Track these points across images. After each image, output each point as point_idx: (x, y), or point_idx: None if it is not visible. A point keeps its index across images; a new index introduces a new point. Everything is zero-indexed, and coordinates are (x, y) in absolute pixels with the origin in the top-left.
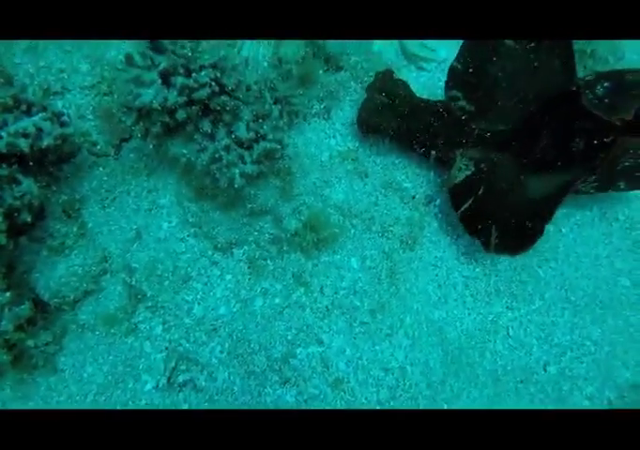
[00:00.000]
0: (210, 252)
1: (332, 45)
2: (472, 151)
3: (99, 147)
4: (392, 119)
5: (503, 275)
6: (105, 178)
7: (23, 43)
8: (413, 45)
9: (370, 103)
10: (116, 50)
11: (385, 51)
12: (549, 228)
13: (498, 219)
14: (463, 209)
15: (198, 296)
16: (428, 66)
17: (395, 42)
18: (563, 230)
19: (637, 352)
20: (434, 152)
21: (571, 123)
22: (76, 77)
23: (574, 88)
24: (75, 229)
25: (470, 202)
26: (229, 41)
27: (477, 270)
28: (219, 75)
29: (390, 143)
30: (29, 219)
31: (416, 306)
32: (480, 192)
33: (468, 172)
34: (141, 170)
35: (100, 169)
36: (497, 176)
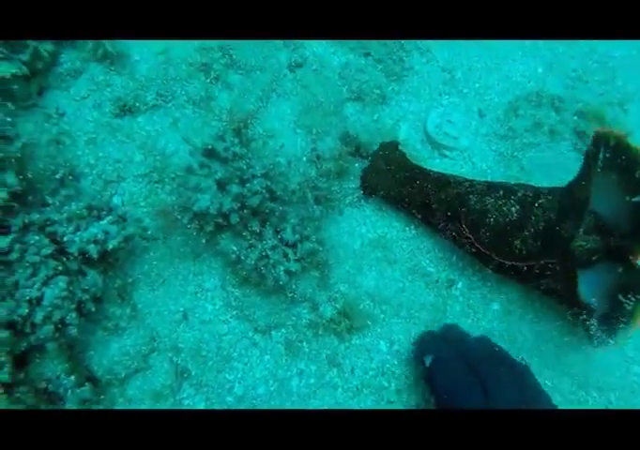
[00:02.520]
0: (251, 334)
1: (363, 136)
2: None
3: (149, 232)
4: (388, 181)
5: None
6: (155, 262)
7: (85, 136)
8: (437, 133)
9: (371, 167)
10: (165, 139)
11: (411, 138)
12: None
13: None
14: None
15: (239, 375)
16: (450, 153)
17: (420, 131)
18: None
19: None
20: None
21: None
22: (131, 166)
23: None
24: (128, 311)
25: None
26: (270, 133)
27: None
28: (269, 183)
29: (386, 202)
30: (93, 309)
31: None
32: None
33: None
34: (188, 254)
35: (151, 253)
36: None
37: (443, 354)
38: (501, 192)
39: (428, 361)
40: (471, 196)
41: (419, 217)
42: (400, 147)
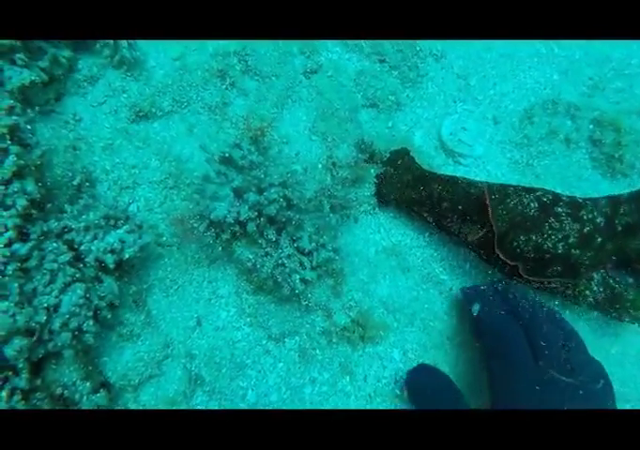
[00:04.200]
0: (264, 341)
1: (377, 142)
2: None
3: (164, 239)
4: (400, 187)
5: None
6: (170, 269)
7: (102, 141)
8: (451, 141)
9: (383, 175)
10: (181, 145)
11: (425, 145)
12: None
13: None
14: None
15: (252, 383)
16: (465, 161)
17: (435, 138)
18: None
19: None
20: (437, 218)
21: None
22: (146, 172)
23: None
24: (142, 317)
25: None
26: (285, 139)
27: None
28: (287, 192)
29: (399, 209)
30: (109, 316)
31: None
32: None
33: None
34: (202, 260)
35: (165, 260)
36: None
37: (490, 303)
38: (520, 187)
39: (476, 309)
40: (486, 183)
41: (431, 220)
42: (412, 154)
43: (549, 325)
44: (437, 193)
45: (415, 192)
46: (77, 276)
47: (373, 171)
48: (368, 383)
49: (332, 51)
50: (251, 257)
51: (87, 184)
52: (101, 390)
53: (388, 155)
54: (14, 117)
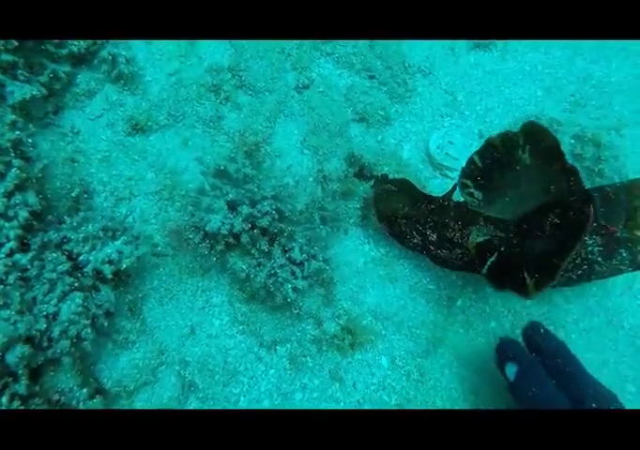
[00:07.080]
0: (256, 349)
1: (367, 156)
2: (485, 229)
3: (160, 249)
4: (401, 204)
5: None
6: (165, 278)
7: (99, 154)
8: (438, 154)
9: (378, 194)
10: (176, 158)
11: (413, 159)
12: (559, 333)
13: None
14: (489, 263)
15: (244, 389)
16: (452, 174)
17: (422, 151)
18: (573, 336)
19: None
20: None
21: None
22: (142, 184)
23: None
24: (138, 325)
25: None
26: (277, 152)
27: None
28: (279, 205)
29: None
30: (106, 324)
31: (439, 401)
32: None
33: (486, 238)
34: (196, 270)
35: (161, 269)
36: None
37: (526, 365)
38: None
39: (511, 371)
40: None
41: (435, 237)
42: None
43: (587, 381)
44: (442, 206)
45: (422, 207)
46: (75, 285)
47: (362, 187)
48: (357, 390)
49: (324, 67)
50: (244, 267)
51: (85, 195)
52: (97, 396)
53: (379, 168)
54: (17, 132)
